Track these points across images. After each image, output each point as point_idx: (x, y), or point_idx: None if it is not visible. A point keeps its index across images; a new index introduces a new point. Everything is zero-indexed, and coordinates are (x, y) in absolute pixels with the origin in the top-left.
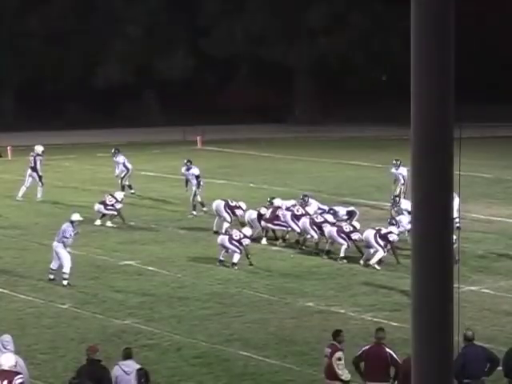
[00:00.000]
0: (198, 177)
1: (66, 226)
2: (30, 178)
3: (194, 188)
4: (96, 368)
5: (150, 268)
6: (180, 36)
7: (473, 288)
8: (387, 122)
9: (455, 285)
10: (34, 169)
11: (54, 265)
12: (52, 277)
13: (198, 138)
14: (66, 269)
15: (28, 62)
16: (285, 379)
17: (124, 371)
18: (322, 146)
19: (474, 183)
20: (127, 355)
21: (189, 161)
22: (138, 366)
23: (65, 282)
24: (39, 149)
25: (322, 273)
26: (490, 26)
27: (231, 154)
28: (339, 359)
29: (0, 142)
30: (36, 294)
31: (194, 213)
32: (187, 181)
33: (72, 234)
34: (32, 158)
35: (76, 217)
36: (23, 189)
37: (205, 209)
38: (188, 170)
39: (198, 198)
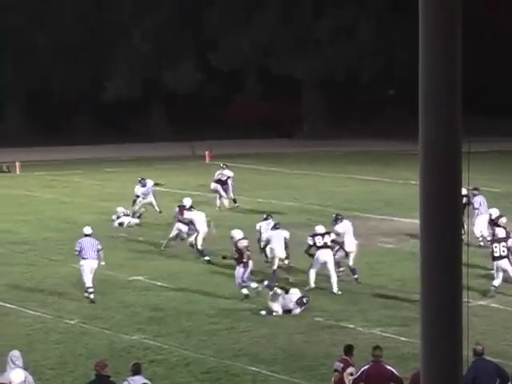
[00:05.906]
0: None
1: (89, 241)
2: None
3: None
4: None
5: (158, 283)
6: (188, 49)
7: (482, 303)
8: (396, 136)
9: (464, 299)
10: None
11: (88, 283)
12: (92, 296)
13: (206, 153)
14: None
15: (36, 77)
16: None
17: None
18: (331, 160)
19: None
20: (136, 370)
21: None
22: (147, 382)
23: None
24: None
25: (331, 287)
26: (503, 36)
27: (239, 168)
28: (351, 374)
29: (8, 158)
30: (44, 310)
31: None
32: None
33: (99, 245)
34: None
35: (88, 230)
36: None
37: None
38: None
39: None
